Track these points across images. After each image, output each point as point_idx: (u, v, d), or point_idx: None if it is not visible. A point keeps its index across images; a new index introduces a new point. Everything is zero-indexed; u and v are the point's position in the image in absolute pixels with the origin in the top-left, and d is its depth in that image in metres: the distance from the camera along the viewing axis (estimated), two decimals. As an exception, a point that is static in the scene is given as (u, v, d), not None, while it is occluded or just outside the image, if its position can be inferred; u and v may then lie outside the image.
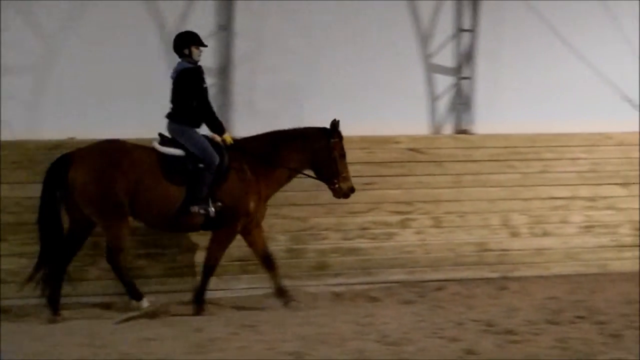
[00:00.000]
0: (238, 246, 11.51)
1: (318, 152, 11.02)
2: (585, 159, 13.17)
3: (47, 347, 9.15)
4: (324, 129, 11.08)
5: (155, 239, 11.54)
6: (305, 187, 11.49)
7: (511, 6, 13.30)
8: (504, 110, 13.09)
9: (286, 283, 11.30)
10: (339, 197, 11.16)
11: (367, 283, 12.02)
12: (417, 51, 13.08)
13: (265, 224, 11.38)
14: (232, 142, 10.85)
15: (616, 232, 13.28)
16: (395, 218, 12.47)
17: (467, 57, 13.13)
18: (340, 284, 12.12)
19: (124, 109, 11.87)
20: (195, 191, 10.58)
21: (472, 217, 12.75)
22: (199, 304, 10.90)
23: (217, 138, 10.84)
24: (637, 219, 13.31)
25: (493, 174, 12.81)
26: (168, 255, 11.68)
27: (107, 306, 11.08)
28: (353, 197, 11.13)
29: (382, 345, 9.16)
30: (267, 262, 11.17)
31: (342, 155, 11.06)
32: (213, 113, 10.87)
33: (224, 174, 10.72)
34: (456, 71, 13.18)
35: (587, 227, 13.19)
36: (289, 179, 11.18)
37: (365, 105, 12.64)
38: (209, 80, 11.91)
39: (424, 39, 13.08)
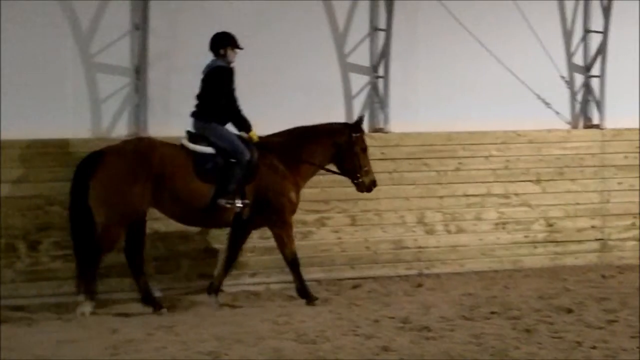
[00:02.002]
0: (154, 247, 11.51)
1: (340, 147, 11.37)
2: (498, 156, 13.36)
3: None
4: (347, 124, 11.67)
5: (70, 240, 11.42)
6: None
7: (425, 6, 13.41)
8: (419, 108, 13.21)
9: (203, 283, 11.34)
10: (362, 191, 11.58)
11: (285, 282, 12.03)
12: (333, 50, 13.11)
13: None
14: (257, 139, 11.07)
15: (529, 229, 13.49)
16: (312, 217, 12.52)
17: (382, 56, 13.20)
18: (258, 283, 12.13)
19: (35, 106, 11.72)
20: (225, 185, 10.78)
21: (388, 215, 12.85)
22: (306, 297, 11.19)
23: (244, 135, 11.10)
24: (550, 215, 13.54)
25: (408, 172, 12.94)
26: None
27: (19, 308, 10.95)
28: (269, 195, 11.19)
29: (298, 343, 9.19)
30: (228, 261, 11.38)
31: (364, 149, 11.45)
32: (240, 111, 11.12)
33: (252, 170, 10.93)
34: (371, 70, 13.24)
35: (500, 223, 13.38)
36: (313, 173, 11.49)
37: (281, 104, 12.64)
38: (123, 80, 11.90)
39: (340, 38, 13.13)
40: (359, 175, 11.42)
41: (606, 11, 14.04)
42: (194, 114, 11.13)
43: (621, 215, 13.84)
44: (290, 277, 11.70)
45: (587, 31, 14.21)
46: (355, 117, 12.78)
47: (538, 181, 13.52)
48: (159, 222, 11.59)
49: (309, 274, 12.25)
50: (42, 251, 11.44)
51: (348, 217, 12.69)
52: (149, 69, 12.14)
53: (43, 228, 11.44)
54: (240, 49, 11.21)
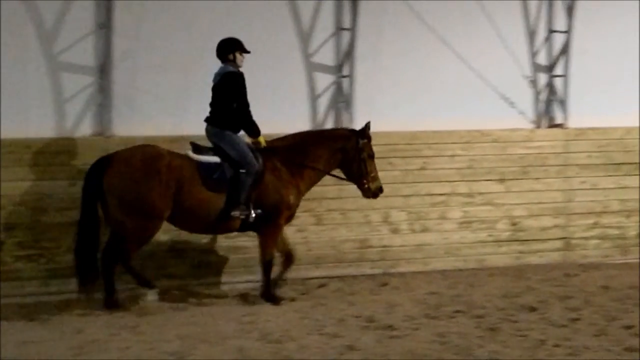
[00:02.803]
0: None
1: (347, 152, 11.46)
2: (463, 155, 13.39)
3: None
4: (354, 130, 11.65)
5: (34, 240, 11.39)
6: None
7: (390, 6, 13.44)
8: (384, 108, 13.21)
9: (168, 283, 11.34)
10: (368, 197, 11.64)
11: (250, 282, 12.01)
12: (298, 50, 13.12)
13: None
14: (265, 144, 11.18)
15: (493, 228, 13.54)
16: (278, 216, 12.51)
17: (347, 56, 13.23)
18: (223, 283, 12.11)
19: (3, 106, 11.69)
20: (236, 196, 10.85)
21: (353, 215, 12.86)
22: (271, 300, 11.17)
23: (248, 140, 11.21)
24: (514, 214, 13.61)
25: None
26: (47, 256, 11.51)
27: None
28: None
29: (263, 343, 9.20)
30: (287, 258, 11.49)
31: (371, 156, 11.53)
32: (251, 116, 11.14)
33: (260, 176, 11.01)
34: (336, 70, 13.26)
35: (465, 222, 13.42)
36: (318, 178, 11.55)
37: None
38: (88, 79, 11.86)
39: (305, 37, 13.13)
40: (365, 181, 11.53)
41: (570, 11, 14.14)
42: (208, 120, 11.20)
43: (584, 214, 13.93)
44: (255, 277, 11.72)
45: (550, 31, 14.30)
46: (319, 117, 12.84)
47: (502, 180, 13.58)
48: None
49: (275, 273, 12.26)
50: (6, 251, 11.37)
51: (313, 216, 12.69)
52: (114, 68, 12.10)
53: (7, 228, 11.37)
54: (248, 52, 11.31)
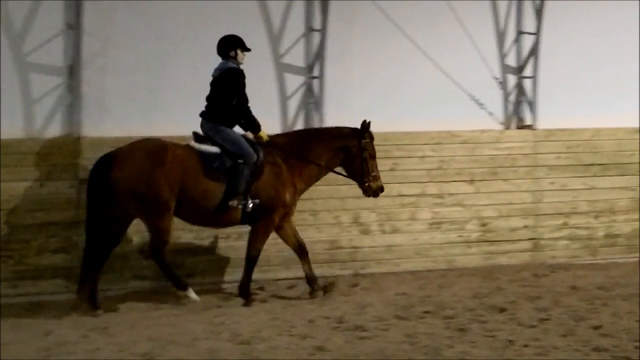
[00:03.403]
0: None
1: (349, 151, 11.59)
2: (432, 156, 13.42)
3: None
4: (356, 129, 11.70)
5: (3, 241, 11.33)
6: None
7: (360, 7, 13.47)
8: (354, 108, 13.18)
9: (139, 284, 11.31)
10: (369, 196, 11.81)
11: (221, 282, 12.00)
12: (268, 50, 13.11)
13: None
14: (267, 139, 11.27)
15: (463, 229, 13.58)
16: (248, 217, 12.50)
17: (317, 57, 13.24)
18: (194, 284, 12.06)
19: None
20: (234, 186, 10.97)
21: (323, 215, 12.88)
22: (245, 296, 11.30)
23: (249, 135, 11.28)
24: (483, 215, 13.66)
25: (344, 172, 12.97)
26: (15, 258, 11.46)
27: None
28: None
29: (233, 344, 9.19)
30: (300, 250, 11.68)
31: (373, 155, 11.69)
32: (250, 112, 11.28)
33: (259, 169, 11.12)
34: (306, 71, 13.27)
35: (435, 223, 13.46)
36: (320, 175, 11.68)
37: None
38: (57, 80, 11.81)
39: (275, 38, 13.13)
40: (366, 180, 11.67)
41: (538, 13, 14.22)
42: (203, 115, 11.28)
43: (553, 215, 14.00)
44: (226, 278, 11.73)
45: (519, 32, 14.38)
46: (290, 118, 12.86)
47: (472, 181, 13.62)
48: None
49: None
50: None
51: (284, 217, 12.69)
52: (83, 68, 12.06)
53: (-26, 229, 11.34)
54: (249, 50, 11.46)
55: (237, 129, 11.36)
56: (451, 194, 13.50)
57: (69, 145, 11.68)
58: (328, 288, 11.74)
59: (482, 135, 13.75)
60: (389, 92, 13.50)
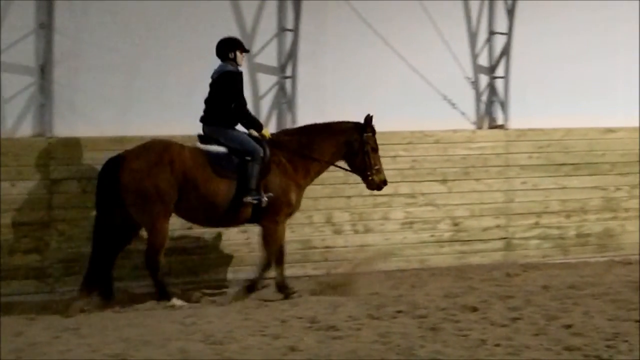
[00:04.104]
0: (59, 249, 11.41)
1: (352, 145, 11.69)
2: (405, 156, 13.45)
3: None
4: (358, 123, 11.84)
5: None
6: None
7: (333, 6, 13.48)
8: (326, 108, 13.19)
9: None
10: (372, 189, 11.97)
11: (193, 282, 11.99)
12: (241, 51, 13.10)
13: (89, 224, 11.35)
14: (270, 137, 11.38)
15: (435, 228, 13.62)
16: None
17: (289, 57, 13.24)
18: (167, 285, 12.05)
19: None
20: (246, 183, 11.07)
21: (296, 215, 12.80)
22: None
23: (254, 132, 11.39)
24: (455, 215, 13.70)
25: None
26: (-16, 258, 11.43)
27: None
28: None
29: (206, 344, 9.15)
30: (279, 256, 11.68)
31: (375, 149, 11.79)
32: (249, 114, 11.56)
33: (267, 166, 11.25)
34: (279, 70, 13.26)
35: (407, 223, 13.49)
36: (324, 169, 11.86)
37: (189, 105, 12.57)
38: (28, 80, 11.75)
39: (248, 38, 13.09)
40: (369, 173, 11.79)
41: (510, 13, 14.28)
42: (202, 119, 11.39)
43: (525, 215, 14.07)
44: (198, 278, 11.72)
45: (491, 33, 14.43)
46: (263, 117, 12.85)
47: (444, 181, 13.66)
48: (63, 224, 11.51)
49: (218, 274, 12.28)
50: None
51: (256, 217, 12.68)
52: (54, 68, 12.00)
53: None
54: (247, 51, 11.69)
55: (240, 128, 11.51)
56: (424, 194, 13.53)
57: (40, 146, 11.63)
58: (291, 291, 11.71)
59: (454, 135, 13.80)
60: (362, 92, 13.53)
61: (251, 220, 11.50)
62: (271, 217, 11.41)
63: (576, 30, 14.59)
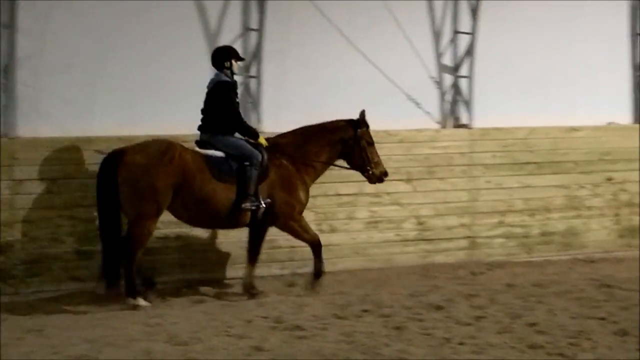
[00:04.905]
0: (24, 249, 11.36)
1: (347, 142, 11.83)
2: (370, 156, 13.46)
3: None
4: (351, 120, 12.02)
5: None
6: (93, 188, 11.28)
7: (297, 6, 13.48)
8: (291, 108, 13.25)
9: (74, 286, 11.26)
10: (374, 183, 12.15)
11: (160, 283, 11.95)
12: (205, 50, 13.04)
13: (53, 224, 11.34)
14: (266, 144, 11.42)
15: (400, 227, 13.66)
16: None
17: (254, 56, 13.24)
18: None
19: None
20: (245, 188, 11.11)
21: (261, 215, 12.86)
22: (318, 276, 11.87)
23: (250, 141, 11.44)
24: (420, 214, 13.74)
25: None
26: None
27: None
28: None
29: (170, 345, 9.12)
30: (253, 256, 11.85)
31: (370, 143, 11.97)
32: (244, 122, 11.62)
33: (265, 171, 11.28)
34: (244, 70, 13.24)
35: (372, 222, 13.52)
36: (322, 171, 12.06)
37: (154, 105, 12.59)
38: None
39: (212, 38, 13.09)
40: (368, 168, 11.95)
41: (474, 13, 14.35)
42: (200, 128, 11.47)
43: (489, 213, 14.14)
44: (165, 279, 11.70)
45: (455, 32, 14.49)
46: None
47: (409, 180, 13.70)
48: (27, 225, 11.45)
49: (185, 274, 12.25)
50: None
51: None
52: (17, 68, 11.94)
53: None
54: (243, 60, 11.85)
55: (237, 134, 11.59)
56: (388, 193, 13.54)
57: (4, 146, 11.56)
58: (256, 291, 11.74)
59: (418, 135, 13.85)
60: (326, 91, 13.55)
61: (265, 223, 11.62)
62: (287, 219, 11.60)
63: (540, 30, 14.70)
